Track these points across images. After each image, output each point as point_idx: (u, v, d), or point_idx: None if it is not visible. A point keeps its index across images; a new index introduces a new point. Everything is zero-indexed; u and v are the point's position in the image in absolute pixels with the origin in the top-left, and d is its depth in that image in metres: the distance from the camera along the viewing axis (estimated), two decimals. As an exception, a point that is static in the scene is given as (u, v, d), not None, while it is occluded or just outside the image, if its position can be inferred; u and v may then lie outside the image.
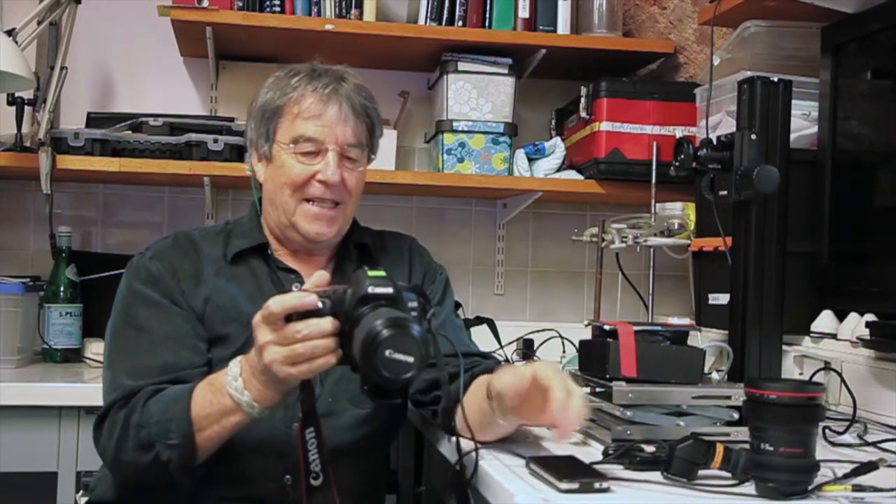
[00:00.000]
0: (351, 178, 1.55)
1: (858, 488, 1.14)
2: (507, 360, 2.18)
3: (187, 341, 1.47)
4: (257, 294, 1.51)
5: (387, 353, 1.12)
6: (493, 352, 1.92)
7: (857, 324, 1.73)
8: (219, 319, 1.50)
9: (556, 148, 2.56)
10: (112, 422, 1.38)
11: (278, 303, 1.20)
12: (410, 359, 1.14)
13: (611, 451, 1.28)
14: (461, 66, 2.47)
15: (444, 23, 2.47)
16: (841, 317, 1.80)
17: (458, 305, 1.97)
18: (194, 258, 1.54)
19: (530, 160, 2.54)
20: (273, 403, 1.29)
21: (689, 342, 1.50)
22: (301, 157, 1.52)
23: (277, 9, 2.40)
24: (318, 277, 1.26)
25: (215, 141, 2.31)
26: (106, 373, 1.46)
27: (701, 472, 1.18)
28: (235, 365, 1.30)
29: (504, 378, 1.27)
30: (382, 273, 1.21)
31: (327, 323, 1.19)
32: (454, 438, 1.32)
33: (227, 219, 1.66)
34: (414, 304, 1.22)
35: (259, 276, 1.56)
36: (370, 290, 1.18)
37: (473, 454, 1.28)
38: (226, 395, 1.29)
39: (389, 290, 1.19)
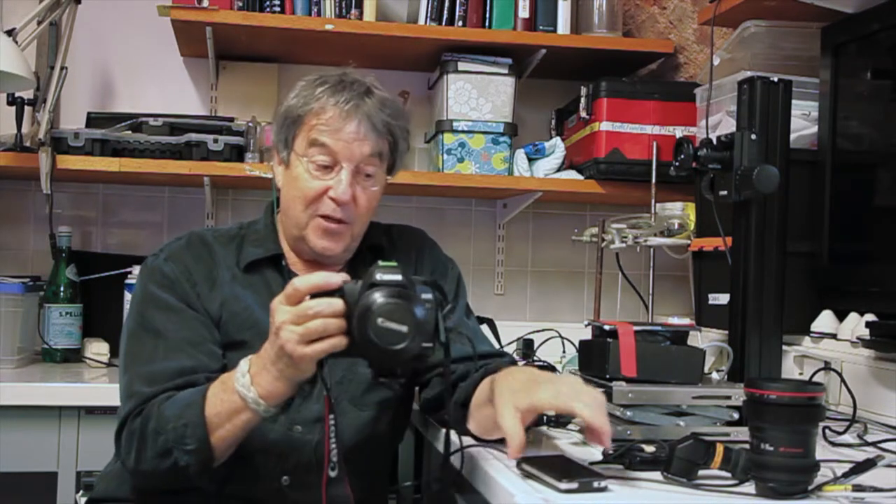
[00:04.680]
0: (363, 196, 1.52)
1: (858, 488, 1.14)
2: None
3: (204, 346, 1.46)
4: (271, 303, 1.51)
5: (379, 321, 1.14)
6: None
7: (857, 324, 1.73)
8: (235, 325, 1.49)
9: (556, 148, 2.56)
10: (129, 431, 1.37)
11: (304, 281, 1.21)
12: (404, 328, 1.15)
13: (611, 451, 1.28)
14: (461, 66, 2.47)
15: (444, 23, 2.47)
16: (841, 317, 1.80)
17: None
18: (209, 262, 1.53)
19: (530, 160, 2.54)
20: (281, 400, 1.28)
21: (689, 342, 1.50)
22: (314, 171, 1.49)
23: (277, 9, 2.40)
24: (325, 276, 1.26)
25: (215, 141, 2.31)
26: (123, 378, 1.45)
27: (701, 472, 1.18)
28: (245, 362, 1.30)
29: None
30: (394, 264, 1.21)
31: (338, 302, 1.20)
32: (444, 432, 1.33)
33: (241, 222, 1.64)
34: (428, 296, 1.22)
35: (273, 286, 1.53)
36: (378, 277, 1.19)
37: (461, 450, 1.30)
38: (235, 392, 1.29)
39: (398, 277, 1.19)
